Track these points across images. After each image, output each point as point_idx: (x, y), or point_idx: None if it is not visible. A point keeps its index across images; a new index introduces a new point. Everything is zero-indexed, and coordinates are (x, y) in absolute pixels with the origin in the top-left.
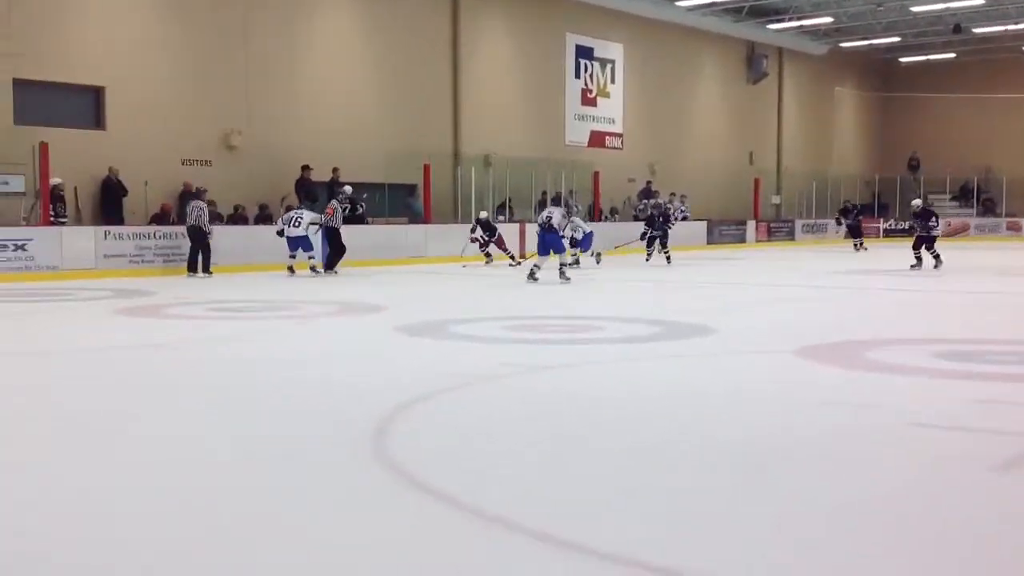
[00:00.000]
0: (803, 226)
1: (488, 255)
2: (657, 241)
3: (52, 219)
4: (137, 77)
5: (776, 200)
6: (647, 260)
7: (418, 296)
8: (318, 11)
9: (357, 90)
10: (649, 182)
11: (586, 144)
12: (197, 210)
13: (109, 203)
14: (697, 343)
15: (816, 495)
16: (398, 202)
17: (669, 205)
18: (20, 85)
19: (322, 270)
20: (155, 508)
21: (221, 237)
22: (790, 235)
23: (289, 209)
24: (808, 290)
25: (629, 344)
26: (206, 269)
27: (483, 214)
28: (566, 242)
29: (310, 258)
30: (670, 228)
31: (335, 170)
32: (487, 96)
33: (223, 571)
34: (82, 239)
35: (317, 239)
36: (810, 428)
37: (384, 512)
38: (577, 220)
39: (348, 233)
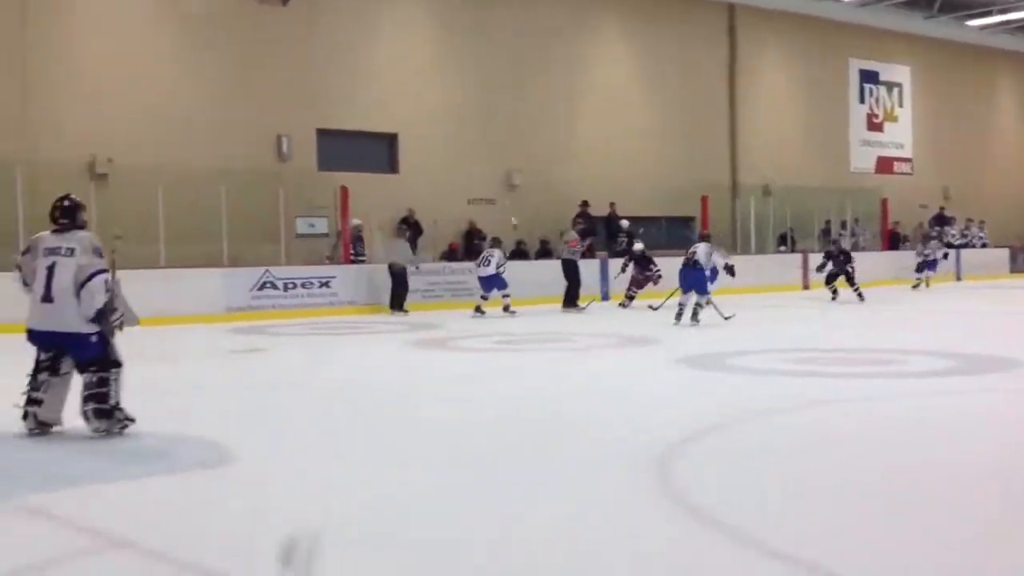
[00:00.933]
0: None
1: (630, 297)
2: (839, 278)
3: (352, 258)
4: (426, 123)
5: None
6: (831, 300)
7: (696, 328)
8: (597, 53)
9: (634, 125)
10: (942, 208)
11: (873, 170)
12: (401, 248)
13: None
14: (1001, 377)
15: None
16: (676, 235)
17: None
18: (323, 135)
19: (515, 309)
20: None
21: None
22: None
23: (485, 248)
24: None
25: (923, 379)
26: (400, 307)
27: (638, 245)
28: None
29: (504, 296)
30: (851, 267)
31: (612, 205)
32: (766, 125)
33: None
34: (379, 276)
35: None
36: None
37: (669, 542)
38: (716, 257)
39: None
